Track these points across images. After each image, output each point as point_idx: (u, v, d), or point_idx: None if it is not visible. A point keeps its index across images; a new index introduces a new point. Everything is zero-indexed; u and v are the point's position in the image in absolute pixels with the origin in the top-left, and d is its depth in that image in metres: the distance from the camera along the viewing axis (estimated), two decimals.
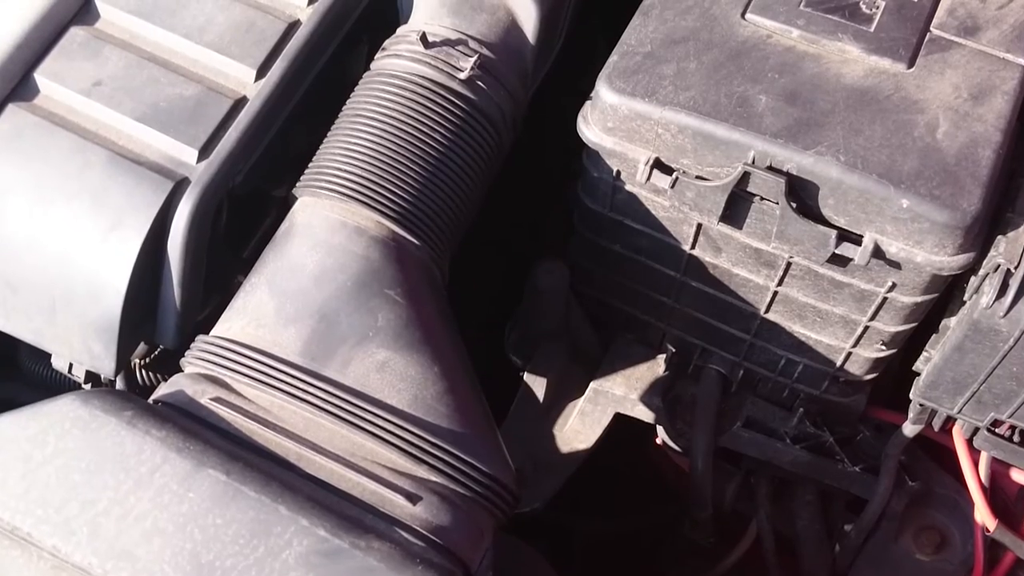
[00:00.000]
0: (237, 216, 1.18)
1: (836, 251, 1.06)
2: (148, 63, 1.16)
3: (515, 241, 1.59)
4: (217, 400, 0.98)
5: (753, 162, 1.07)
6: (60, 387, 1.32)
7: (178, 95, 1.14)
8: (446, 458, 0.97)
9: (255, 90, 1.14)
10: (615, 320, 1.37)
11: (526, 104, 1.23)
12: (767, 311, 1.25)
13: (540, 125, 1.29)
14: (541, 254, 1.32)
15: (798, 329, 1.25)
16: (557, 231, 1.43)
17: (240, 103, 1.14)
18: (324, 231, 1.08)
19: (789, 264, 1.16)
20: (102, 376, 1.19)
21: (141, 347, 1.26)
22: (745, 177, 1.07)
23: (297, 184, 1.13)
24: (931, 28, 1.14)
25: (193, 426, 0.95)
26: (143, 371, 1.30)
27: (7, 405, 1.31)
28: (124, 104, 1.14)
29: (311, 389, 0.99)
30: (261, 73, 1.15)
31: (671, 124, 1.09)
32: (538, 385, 1.39)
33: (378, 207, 1.08)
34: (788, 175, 1.06)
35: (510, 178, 1.25)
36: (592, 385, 1.37)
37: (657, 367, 1.38)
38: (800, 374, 1.32)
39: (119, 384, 1.25)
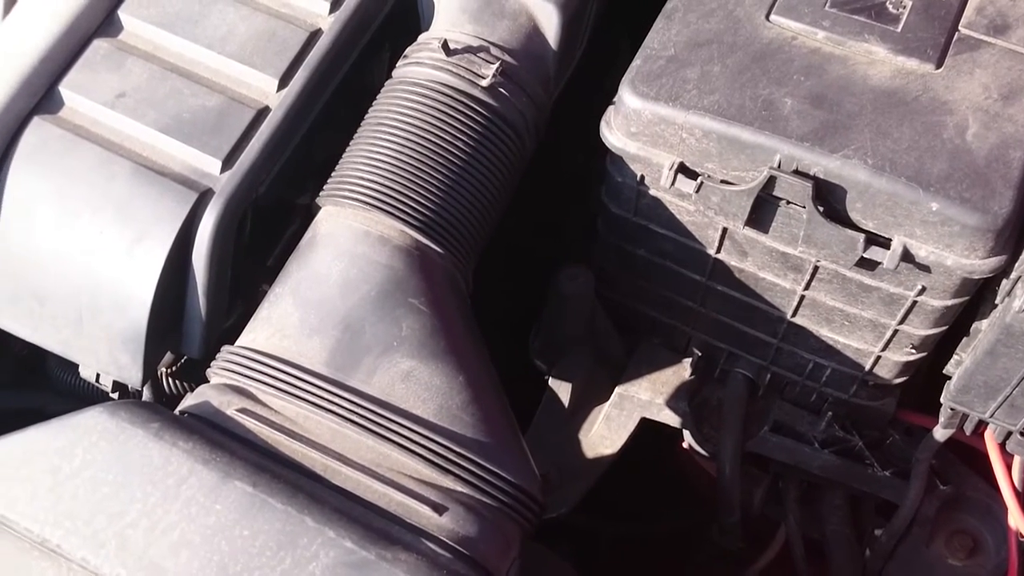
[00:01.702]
0: (261, 225, 1.18)
1: (864, 255, 1.04)
2: (171, 74, 1.17)
3: (537, 244, 1.58)
4: (243, 411, 0.98)
5: (779, 166, 1.06)
6: (88, 396, 1.33)
7: (201, 106, 1.14)
8: (472, 468, 0.96)
9: (278, 100, 1.14)
10: (640, 324, 1.35)
11: (548, 110, 1.22)
12: (794, 315, 1.23)
13: (562, 127, 1.28)
14: (563, 257, 1.30)
15: (826, 333, 1.24)
16: (579, 234, 1.41)
17: (263, 113, 1.14)
18: (348, 241, 1.08)
19: (816, 268, 1.15)
20: (129, 386, 1.20)
21: (168, 356, 1.26)
22: (771, 181, 1.06)
23: (320, 193, 1.13)
24: (959, 27, 1.12)
25: (219, 437, 0.95)
26: (170, 380, 1.31)
27: (36, 414, 1.33)
28: (148, 115, 1.14)
29: (336, 399, 0.99)
30: (283, 82, 1.15)
31: (695, 128, 1.08)
32: (563, 390, 1.37)
33: (401, 216, 1.07)
34: (815, 179, 1.05)
35: (531, 181, 1.24)
36: (617, 390, 1.36)
37: (683, 371, 1.36)
38: (828, 378, 1.30)
39: (146, 393, 1.26)
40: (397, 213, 1.07)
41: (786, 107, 1.07)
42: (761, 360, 1.31)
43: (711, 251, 1.18)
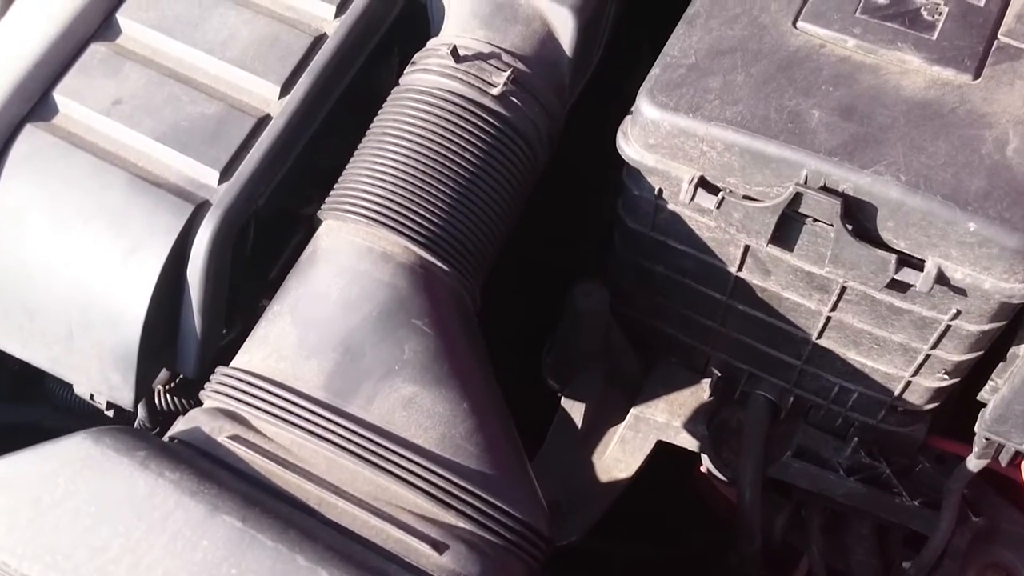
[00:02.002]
0: (263, 237, 1.14)
1: (896, 277, 0.98)
2: (169, 80, 1.12)
3: (551, 257, 1.53)
4: (235, 438, 0.93)
5: (806, 182, 1.00)
6: (85, 412, 1.28)
7: (199, 113, 1.10)
8: (476, 503, 0.91)
9: (279, 107, 1.10)
10: (657, 343, 1.30)
11: (562, 119, 1.16)
12: (819, 336, 1.17)
13: (578, 136, 1.23)
14: (578, 270, 1.26)
15: (853, 356, 1.17)
16: (595, 247, 1.36)
17: (264, 121, 1.09)
18: (349, 257, 1.03)
19: (844, 289, 1.09)
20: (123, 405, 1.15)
21: (164, 372, 1.22)
22: (797, 198, 1.00)
23: (322, 207, 1.08)
24: (998, 35, 1.05)
25: (209, 467, 0.90)
26: (167, 397, 1.26)
27: (32, 429, 1.29)
28: (144, 123, 1.09)
29: (333, 427, 0.94)
30: (286, 90, 1.10)
31: (717, 141, 1.02)
32: (576, 411, 1.33)
33: (405, 232, 1.02)
34: (844, 196, 0.98)
35: (545, 192, 1.20)
36: (633, 411, 1.31)
37: (702, 393, 1.31)
38: (855, 402, 1.24)
39: (141, 412, 1.21)
40: (401, 229, 1.02)
41: (814, 119, 1.01)
42: (784, 382, 1.26)
43: (732, 269, 1.13)
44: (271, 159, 1.07)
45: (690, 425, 1.30)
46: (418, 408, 0.95)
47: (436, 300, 1.01)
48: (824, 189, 0.99)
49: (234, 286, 1.10)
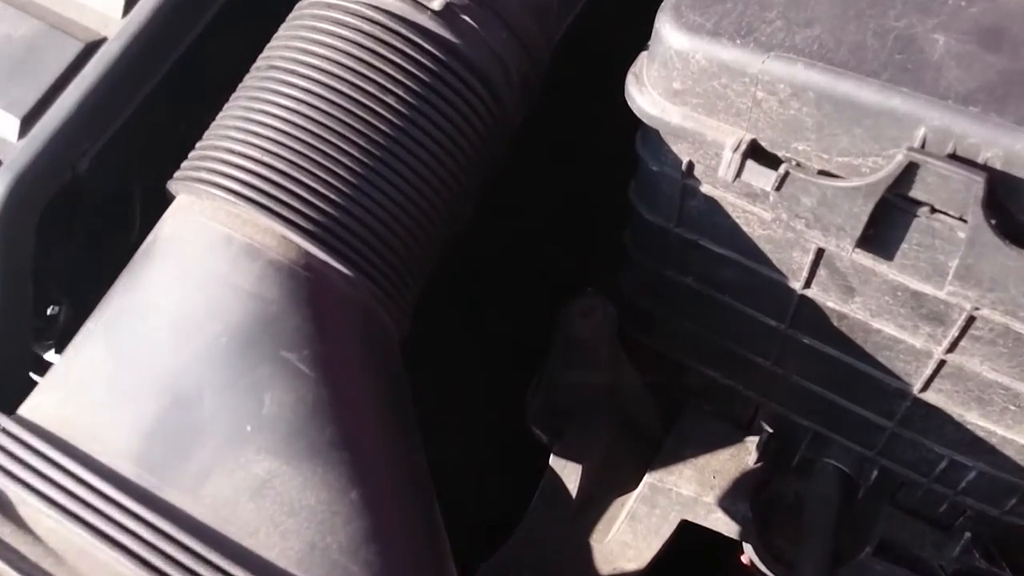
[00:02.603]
0: (101, 217, 0.79)
1: None
2: None
3: (554, 264, 1.22)
4: None
5: (923, 145, 0.63)
6: None
7: (5, 35, 0.75)
8: None
9: (119, 28, 0.74)
10: (684, 384, 1.04)
11: (547, 54, 0.80)
12: (925, 388, 0.83)
13: (578, 86, 0.87)
14: (579, 281, 1.02)
15: (974, 418, 0.84)
16: (602, 250, 1.04)
17: (93, 48, 0.74)
18: (197, 250, 0.68)
19: (972, 320, 0.73)
20: None
21: None
22: (908, 173, 0.65)
23: (175, 175, 0.72)
24: None
25: None
26: None
27: None
28: None
29: (136, 526, 0.59)
30: (133, 3, 0.75)
31: (780, 83, 0.67)
32: (570, 473, 1.06)
33: (284, 214, 0.68)
34: (987, 169, 0.63)
35: (527, 166, 0.93)
36: (648, 478, 1.04)
37: (745, 456, 1.04)
38: (971, 484, 0.91)
39: None
40: (277, 209, 0.68)
41: (936, 48, 0.65)
42: (865, 448, 0.96)
43: (796, 284, 0.82)
44: (98, 103, 0.73)
45: (728, 501, 1.03)
46: (276, 497, 0.61)
47: (327, 323, 0.66)
48: (954, 158, 0.63)
49: (52, 285, 0.75)
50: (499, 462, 1.05)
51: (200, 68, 0.79)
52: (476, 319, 1.06)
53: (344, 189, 0.69)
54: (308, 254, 0.67)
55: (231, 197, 0.68)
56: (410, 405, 0.70)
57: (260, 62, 0.75)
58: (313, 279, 0.67)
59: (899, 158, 0.64)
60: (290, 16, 0.77)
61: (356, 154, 0.69)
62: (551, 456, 1.05)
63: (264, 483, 0.61)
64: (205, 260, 0.67)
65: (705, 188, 0.79)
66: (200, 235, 0.68)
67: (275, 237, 0.67)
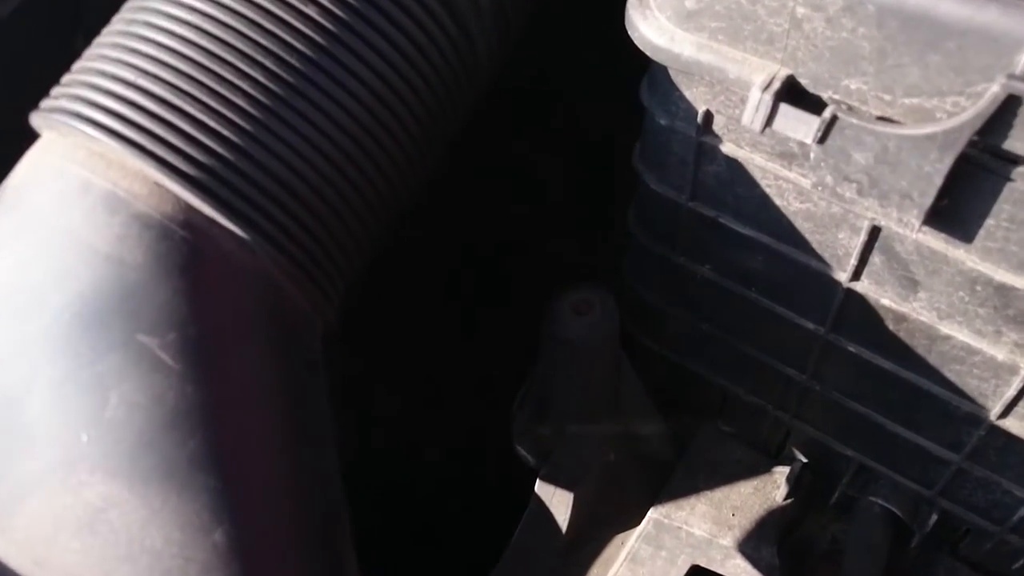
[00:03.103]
0: None
1: None
2: None
3: (555, 252, 1.07)
4: None
5: None
6: None
7: None
8: None
9: None
10: (699, 399, 0.89)
11: None
12: (1005, 413, 0.67)
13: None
14: (574, 269, 0.88)
15: None
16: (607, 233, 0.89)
17: None
18: (47, 199, 0.52)
19: None
20: None
21: None
22: (1005, 113, 0.47)
23: (39, 106, 0.56)
24: None
25: None
26: None
27: None
28: None
29: None
30: None
31: None
32: (559, 502, 0.90)
33: (158, 152, 0.52)
34: None
35: (512, 124, 0.84)
36: (653, 513, 0.89)
37: (772, 490, 0.89)
38: None
39: None
40: (149, 146, 0.52)
41: None
42: (922, 487, 0.80)
43: (842, 276, 0.66)
44: None
45: (751, 544, 0.87)
46: (111, 535, 0.45)
47: (207, 299, 0.50)
48: None
49: None
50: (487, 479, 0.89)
51: None
52: (471, 319, 0.89)
53: (244, 125, 0.52)
54: (188, 207, 0.51)
55: (92, 130, 0.52)
56: (324, 411, 0.53)
57: None
58: (192, 240, 0.50)
59: (995, 89, 0.46)
60: None
61: (263, 80, 0.53)
62: (537, 482, 0.89)
63: (97, 514, 0.44)
64: (54, 212, 0.51)
65: (726, 148, 0.62)
66: (53, 181, 0.52)
67: (146, 184, 0.51)
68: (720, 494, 0.87)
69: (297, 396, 0.52)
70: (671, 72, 0.61)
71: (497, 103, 0.75)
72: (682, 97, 0.61)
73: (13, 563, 0.45)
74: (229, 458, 0.47)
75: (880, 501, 0.82)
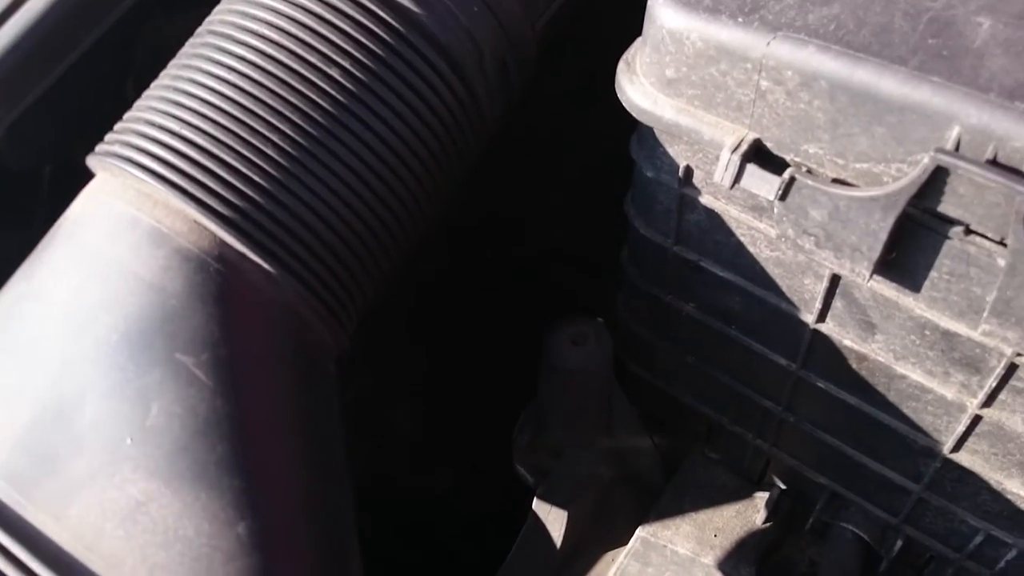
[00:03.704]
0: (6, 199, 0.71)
1: None
2: None
3: (555, 282, 1.12)
4: None
5: (957, 147, 0.51)
6: None
7: None
8: None
9: None
10: (686, 427, 0.92)
11: (532, 38, 0.70)
12: (957, 447, 0.71)
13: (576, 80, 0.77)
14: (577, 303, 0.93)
15: (1016, 487, 0.71)
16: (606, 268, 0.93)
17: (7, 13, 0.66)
18: (100, 233, 0.59)
19: (1013, 367, 0.59)
20: None
21: None
22: (937, 180, 0.52)
23: (95, 149, 0.64)
24: None
25: None
26: None
27: None
28: None
29: None
30: None
31: (787, 70, 0.56)
32: (554, 519, 0.94)
33: (197, 194, 0.58)
34: None
35: (518, 169, 0.86)
36: (641, 532, 0.92)
37: (752, 513, 0.92)
38: (1011, 564, 0.78)
39: None
40: (190, 188, 0.58)
41: (979, 33, 0.54)
42: (889, 514, 0.83)
43: (809, 317, 0.70)
44: (21, 61, 0.64)
45: (730, 564, 0.91)
46: (150, 524, 0.51)
47: (236, 325, 0.56)
48: (994, 164, 0.51)
49: None
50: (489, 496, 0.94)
51: (130, 42, 0.71)
52: (476, 345, 0.95)
53: (273, 173, 0.59)
54: (223, 243, 0.58)
55: (140, 173, 0.59)
56: (337, 430, 0.60)
57: (199, 30, 0.67)
58: (225, 273, 0.57)
59: (926, 162, 0.52)
60: None
61: (291, 134, 0.60)
62: (534, 499, 0.93)
63: (138, 506, 0.51)
64: (106, 244, 0.58)
65: (705, 199, 0.68)
66: (106, 216, 0.59)
67: (186, 222, 0.58)
68: (704, 516, 0.91)
69: (313, 412, 0.59)
70: (656, 131, 0.67)
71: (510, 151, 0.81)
72: (665, 153, 0.67)
73: (68, 547, 0.51)
74: (251, 463, 0.54)
75: (851, 527, 0.85)
